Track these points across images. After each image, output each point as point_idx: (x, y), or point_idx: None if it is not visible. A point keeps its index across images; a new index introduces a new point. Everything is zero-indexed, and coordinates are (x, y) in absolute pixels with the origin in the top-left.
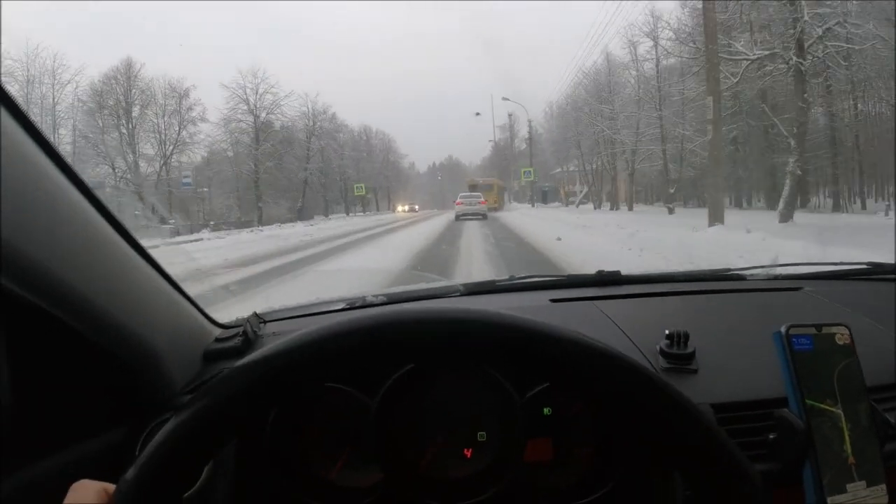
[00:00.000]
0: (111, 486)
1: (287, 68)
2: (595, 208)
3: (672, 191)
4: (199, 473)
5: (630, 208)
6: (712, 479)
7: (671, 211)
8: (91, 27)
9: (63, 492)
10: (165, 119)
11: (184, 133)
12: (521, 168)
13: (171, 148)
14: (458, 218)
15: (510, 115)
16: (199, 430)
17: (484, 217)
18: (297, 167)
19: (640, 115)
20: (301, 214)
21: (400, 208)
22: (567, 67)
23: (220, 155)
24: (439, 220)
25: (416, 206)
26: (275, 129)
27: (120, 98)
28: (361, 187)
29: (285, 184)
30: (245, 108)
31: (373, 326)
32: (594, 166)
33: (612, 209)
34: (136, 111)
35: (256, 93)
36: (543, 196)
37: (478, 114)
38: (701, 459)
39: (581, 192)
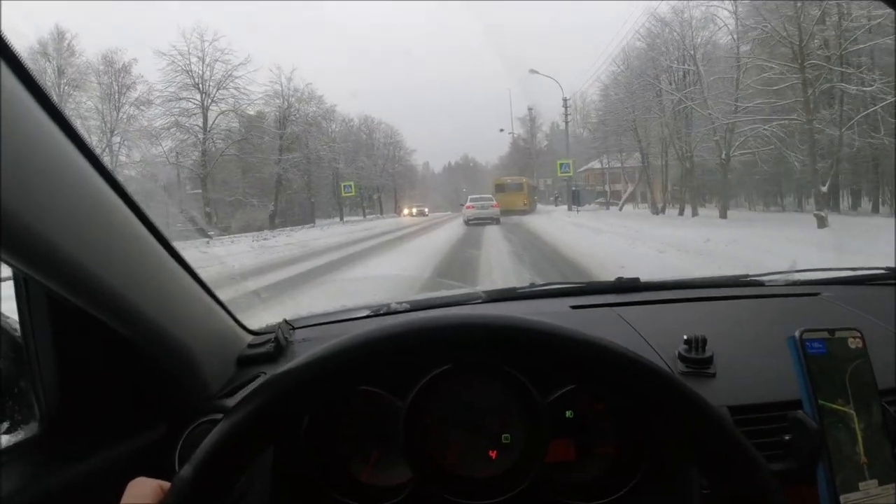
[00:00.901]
0: (166, 484)
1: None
2: (654, 213)
3: (824, 189)
4: (249, 469)
5: (723, 214)
6: (729, 476)
7: (823, 222)
8: None
9: (108, 488)
10: (111, 102)
11: (123, 118)
12: (557, 161)
13: (109, 138)
14: (467, 223)
15: (530, 110)
16: (253, 427)
17: (497, 222)
18: (264, 161)
19: (742, 75)
20: (273, 221)
21: (406, 212)
22: (614, 33)
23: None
24: (450, 231)
25: (426, 209)
26: (233, 111)
27: (51, 77)
28: (350, 186)
29: (257, 183)
30: (189, 81)
31: (429, 328)
32: (645, 159)
33: (680, 214)
34: (65, 90)
35: (203, 61)
36: (576, 197)
37: (502, 130)
38: (718, 458)
39: (625, 191)
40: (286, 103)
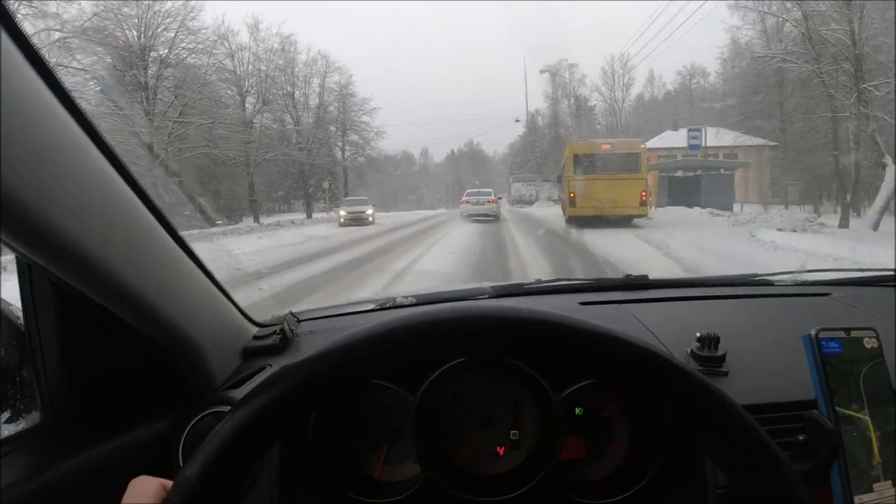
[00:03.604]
0: (169, 483)
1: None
2: None
3: None
4: (257, 465)
5: None
6: (752, 475)
7: None
8: None
9: (113, 478)
10: None
11: None
12: None
13: None
14: (462, 216)
15: (554, 73)
16: (263, 423)
17: (495, 218)
18: None
19: None
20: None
21: (342, 213)
22: None
23: None
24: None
25: (369, 211)
26: None
27: None
28: None
29: None
30: None
31: (446, 320)
32: None
33: None
34: None
35: None
36: (678, 189)
37: (518, 120)
38: (742, 457)
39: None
40: None
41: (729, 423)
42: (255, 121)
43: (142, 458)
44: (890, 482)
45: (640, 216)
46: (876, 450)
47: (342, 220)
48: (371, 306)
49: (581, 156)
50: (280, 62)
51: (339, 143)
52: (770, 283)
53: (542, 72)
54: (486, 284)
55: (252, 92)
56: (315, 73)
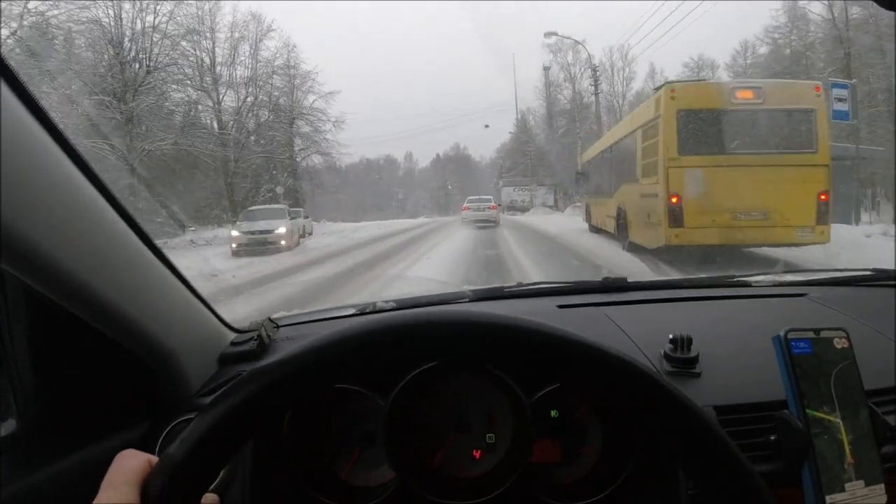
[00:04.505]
0: (154, 458)
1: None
2: None
3: None
4: (228, 462)
5: None
6: (714, 478)
7: None
8: None
9: (92, 485)
10: None
11: None
12: None
13: None
14: (464, 221)
15: (557, 50)
16: (231, 424)
17: (495, 223)
18: None
19: None
20: None
21: (235, 233)
22: None
23: None
24: None
25: (281, 229)
26: None
27: None
28: None
29: None
30: None
31: (406, 325)
32: None
33: None
34: None
35: None
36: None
37: (487, 126)
38: (703, 459)
39: None
40: None
41: (689, 425)
42: (136, 98)
43: None
44: (862, 482)
45: (810, 244)
46: (848, 451)
47: (235, 245)
48: (351, 311)
49: (697, 113)
50: (192, 25)
51: (287, 136)
52: (747, 284)
53: (546, 35)
54: (467, 288)
55: (137, 58)
56: (246, 39)
